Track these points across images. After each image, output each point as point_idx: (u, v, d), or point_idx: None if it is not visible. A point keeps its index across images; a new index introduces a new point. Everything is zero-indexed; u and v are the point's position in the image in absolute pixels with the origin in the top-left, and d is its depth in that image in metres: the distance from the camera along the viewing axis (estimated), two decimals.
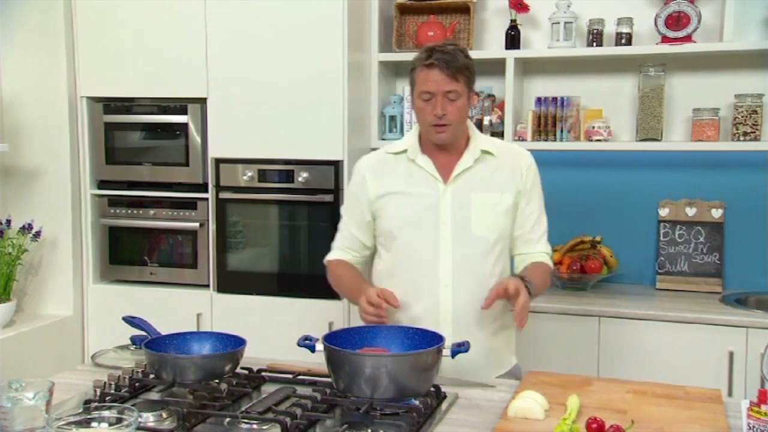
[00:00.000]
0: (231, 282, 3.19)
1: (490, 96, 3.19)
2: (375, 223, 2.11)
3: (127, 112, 3.27)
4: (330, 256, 2.20)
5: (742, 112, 2.89)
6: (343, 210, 2.19)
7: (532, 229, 2.08)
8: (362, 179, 2.10)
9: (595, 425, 1.44)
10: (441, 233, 2.00)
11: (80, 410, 1.34)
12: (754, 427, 1.36)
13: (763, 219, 3.03)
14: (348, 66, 2.98)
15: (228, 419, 1.51)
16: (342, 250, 2.17)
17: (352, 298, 2.06)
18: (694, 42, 2.89)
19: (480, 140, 2.08)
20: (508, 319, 2.06)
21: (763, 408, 1.36)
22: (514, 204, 2.05)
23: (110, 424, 1.30)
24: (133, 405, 1.49)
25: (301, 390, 1.70)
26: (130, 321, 1.90)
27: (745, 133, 2.89)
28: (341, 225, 2.19)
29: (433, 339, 1.67)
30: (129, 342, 1.98)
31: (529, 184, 2.07)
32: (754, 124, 2.88)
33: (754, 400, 1.38)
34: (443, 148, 2.04)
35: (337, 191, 3.04)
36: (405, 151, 2.07)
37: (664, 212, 3.09)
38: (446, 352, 1.65)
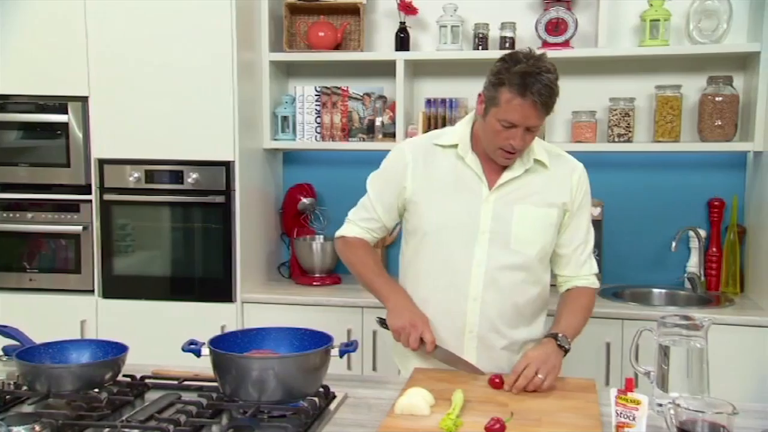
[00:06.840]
0: (118, 287, 3.08)
1: (382, 97, 3.22)
2: (406, 214, 2.00)
3: (1, 111, 3.10)
4: (347, 232, 2.06)
5: (616, 114, 3.04)
6: (371, 187, 2.03)
7: (577, 248, 1.96)
8: (403, 165, 1.96)
9: (497, 426, 1.47)
10: (477, 242, 1.88)
11: None
12: (621, 413, 1.44)
13: (637, 216, 3.21)
14: (238, 65, 2.94)
15: (107, 429, 1.46)
16: (361, 228, 2.04)
17: (378, 292, 1.96)
18: (572, 47, 3.03)
19: (535, 149, 1.92)
20: (535, 340, 1.98)
21: (630, 395, 1.44)
22: (559, 221, 1.93)
23: None
24: (2, 419, 1.41)
25: (187, 396, 1.67)
26: (1, 330, 1.81)
27: (619, 135, 3.04)
28: (366, 201, 2.04)
29: (322, 339, 1.68)
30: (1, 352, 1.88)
31: (579, 200, 1.95)
32: (627, 127, 3.04)
33: (622, 388, 1.47)
34: None
35: (228, 192, 3.00)
36: (455, 145, 1.93)
37: None
38: (335, 352, 1.66)
